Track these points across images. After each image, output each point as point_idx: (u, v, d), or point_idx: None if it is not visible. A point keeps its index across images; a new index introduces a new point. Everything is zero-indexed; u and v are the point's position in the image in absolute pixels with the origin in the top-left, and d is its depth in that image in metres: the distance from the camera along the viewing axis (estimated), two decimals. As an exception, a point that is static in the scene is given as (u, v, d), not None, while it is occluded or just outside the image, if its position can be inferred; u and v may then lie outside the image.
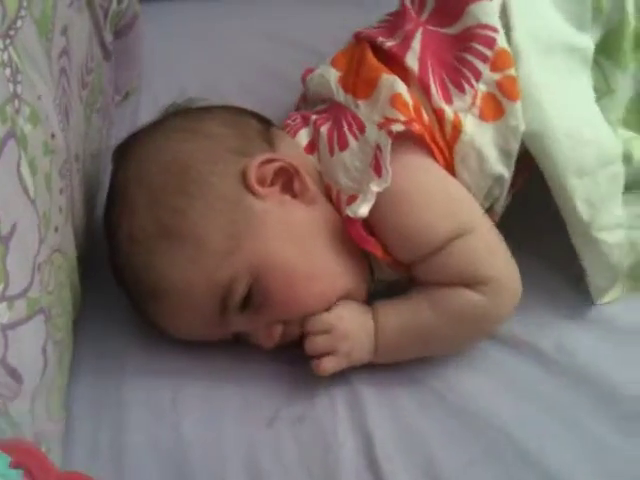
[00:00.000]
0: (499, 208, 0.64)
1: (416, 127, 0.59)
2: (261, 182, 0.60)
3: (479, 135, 0.61)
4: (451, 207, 0.60)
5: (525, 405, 0.61)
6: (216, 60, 0.87)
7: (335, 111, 0.64)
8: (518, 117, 0.61)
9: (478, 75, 0.61)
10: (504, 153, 0.61)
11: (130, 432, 0.59)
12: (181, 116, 0.64)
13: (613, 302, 0.66)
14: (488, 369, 0.63)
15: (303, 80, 0.71)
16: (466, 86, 0.61)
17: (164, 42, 0.88)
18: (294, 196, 0.61)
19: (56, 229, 0.52)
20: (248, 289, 0.57)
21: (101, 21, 0.68)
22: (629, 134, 0.67)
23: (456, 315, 0.59)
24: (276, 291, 0.58)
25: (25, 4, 0.46)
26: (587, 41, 0.64)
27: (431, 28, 0.64)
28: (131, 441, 0.59)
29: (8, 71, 0.44)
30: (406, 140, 0.59)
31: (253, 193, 0.59)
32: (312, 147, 0.64)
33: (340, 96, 0.64)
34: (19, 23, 0.45)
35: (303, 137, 0.64)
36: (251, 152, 0.60)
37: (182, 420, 0.59)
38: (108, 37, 0.70)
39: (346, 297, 0.61)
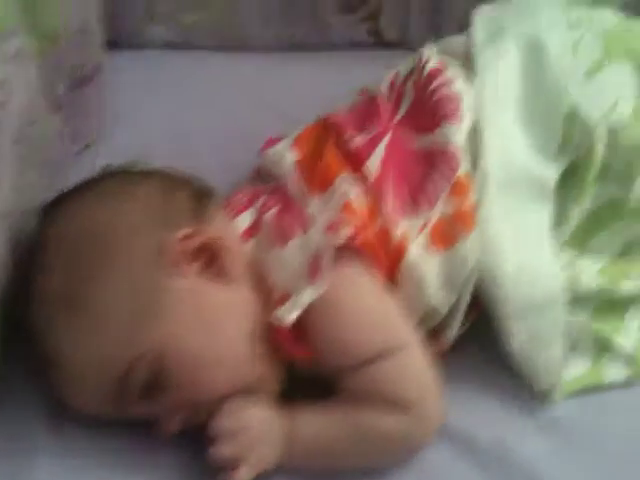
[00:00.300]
0: (450, 335, 0.62)
1: (360, 240, 0.59)
2: (180, 258, 0.57)
3: (423, 262, 0.60)
4: (383, 324, 0.59)
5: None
6: (183, 114, 0.87)
7: (283, 198, 0.64)
8: (469, 249, 0.60)
9: (435, 200, 0.61)
10: (448, 284, 0.60)
11: None
12: (111, 180, 0.62)
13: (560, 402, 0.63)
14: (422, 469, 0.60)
15: (261, 151, 0.70)
16: (421, 208, 0.61)
17: (131, 92, 0.88)
18: (214, 275, 0.58)
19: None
20: (150, 372, 0.54)
21: (52, 73, 0.67)
22: (573, 253, 0.66)
23: (370, 437, 0.57)
24: (179, 376, 0.55)
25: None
26: (551, 172, 0.64)
27: (401, 134, 0.65)
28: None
29: None
30: (348, 250, 0.57)
31: (168, 270, 0.56)
32: (252, 232, 0.62)
33: (292, 184, 0.64)
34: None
35: (245, 220, 0.63)
36: (174, 225, 0.58)
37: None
38: (60, 89, 0.70)
39: (256, 387, 0.58)
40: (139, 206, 0.59)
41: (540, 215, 0.63)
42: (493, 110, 0.66)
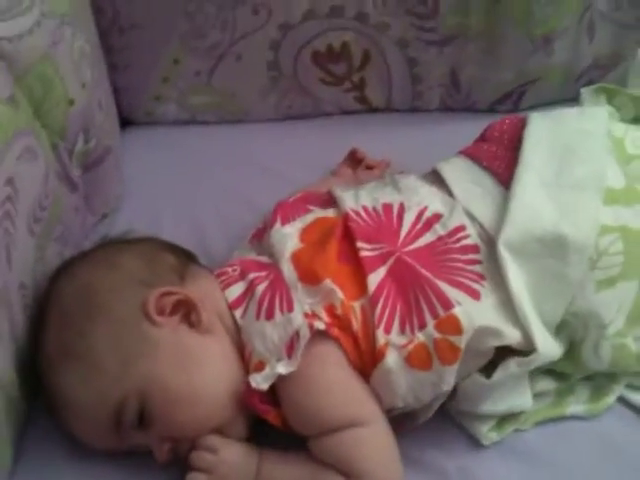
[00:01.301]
0: (423, 420, 0.67)
1: (335, 332, 0.64)
2: (160, 312, 0.66)
3: (396, 373, 0.64)
4: (348, 399, 0.65)
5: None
6: (190, 182, 0.96)
7: (275, 276, 0.69)
8: (444, 380, 0.64)
9: (422, 325, 0.65)
10: (415, 398, 0.66)
11: None
12: (102, 249, 0.73)
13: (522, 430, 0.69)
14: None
15: (271, 223, 0.75)
16: (407, 329, 0.65)
17: (143, 164, 0.98)
18: (191, 327, 0.67)
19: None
20: (139, 409, 0.63)
21: (66, 161, 0.77)
22: None
23: None
24: (160, 413, 0.64)
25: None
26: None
27: (409, 261, 0.67)
28: None
29: None
30: (325, 336, 0.65)
31: (150, 321, 0.66)
32: (241, 301, 0.69)
33: (286, 268, 0.69)
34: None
35: (235, 291, 0.70)
36: (156, 284, 0.67)
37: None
38: (75, 172, 0.80)
39: (229, 425, 0.66)
40: (123, 271, 0.68)
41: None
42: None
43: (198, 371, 0.65)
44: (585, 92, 0.88)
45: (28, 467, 0.68)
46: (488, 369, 0.67)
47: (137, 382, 0.64)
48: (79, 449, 0.68)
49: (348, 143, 0.97)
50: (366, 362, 0.66)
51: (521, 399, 0.68)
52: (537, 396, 0.70)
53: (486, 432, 0.68)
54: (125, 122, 1.03)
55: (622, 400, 0.71)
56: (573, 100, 1.00)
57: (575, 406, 0.70)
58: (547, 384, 0.71)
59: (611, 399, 0.70)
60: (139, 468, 0.67)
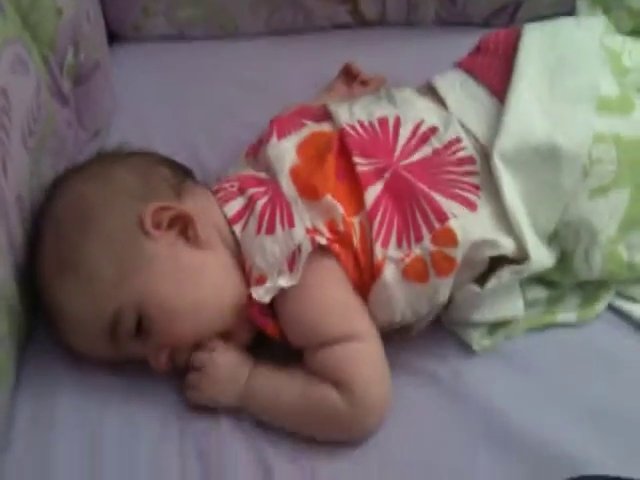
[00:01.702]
0: (415, 332, 0.69)
1: (336, 249, 0.65)
2: (156, 226, 0.66)
3: (394, 287, 0.65)
4: (344, 314, 0.66)
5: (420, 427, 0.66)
6: (180, 99, 0.95)
7: (274, 192, 0.69)
8: (440, 292, 0.66)
9: (419, 239, 0.66)
10: (412, 311, 0.67)
11: (58, 447, 0.65)
12: (97, 162, 0.72)
13: (514, 338, 0.71)
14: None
15: (267, 138, 0.74)
16: (404, 243, 0.66)
17: (132, 81, 0.96)
18: (188, 241, 0.67)
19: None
20: (136, 319, 0.64)
21: (57, 74, 0.76)
22: None
23: (314, 408, 0.64)
24: (157, 323, 0.65)
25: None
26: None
27: (405, 174, 0.67)
28: (58, 455, 0.65)
29: None
30: (325, 251, 0.65)
31: (147, 235, 0.66)
32: (240, 216, 0.69)
33: (285, 184, 0.69)
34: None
35: (234, 206, 0.69)
36: (152, 199, 0.67)
37: (104, 432, 0.66)
38: (66, 86, 0.79)
39: (228, 335, 0.67)
40: (118, 185, 0.68)
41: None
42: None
43: (196, 284, 0.66)
44: (581, 4, 0.87)
45: (30, 381, 0.69)
46: (479, 279, 0.68)
47: (133, 294, 0.64)
48: (79, 363, 0.70)
49: (341, 58, 0.94)
50: (365, 278, 0.66)
51: (513, 306, 0.70)
52: (528, 304, 0.71)
53: (478, 338, 0.70)
54: (113, 37, 1.00)
55: (612, 308, 0.73)
56: (569, 14, 0.99)
57: (565, 313, 0.72)
58: (538, 292, 0.72)
59: (601, 306, 0.72)
60: (139, 379, 0.69)
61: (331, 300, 0.66)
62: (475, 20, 1.01)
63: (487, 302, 0.69)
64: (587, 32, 0.75)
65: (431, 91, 0.76)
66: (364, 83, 0.91)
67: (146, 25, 1.01)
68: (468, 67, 0.76)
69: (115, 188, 0.68)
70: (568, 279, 0.72)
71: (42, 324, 0.71)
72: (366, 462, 0.64)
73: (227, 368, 0.67)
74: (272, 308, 0.66)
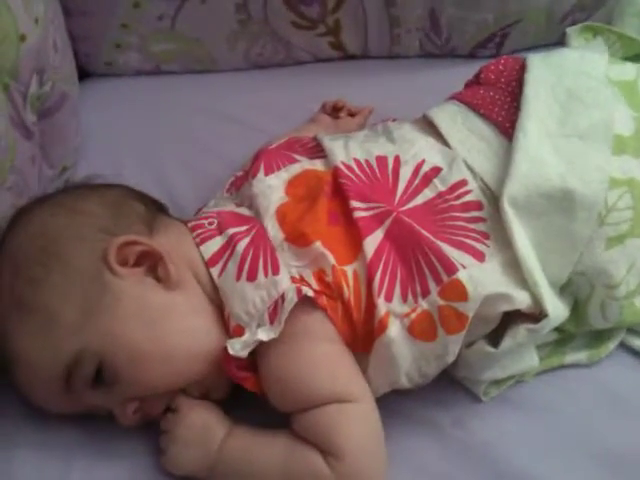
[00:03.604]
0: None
1: (324, 301, 0.59)
2: (123, 262, 0.60)
3: (400, 345, 0.59)
4: (338, 372, 0.59)
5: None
6: (154, 134, 0.91)
7: (257, 233, 0.63)
8: (449, 351, 0.60)
9: (425, 292, 0.60)
10: (419, 373, 0.61)
11: None
12: (66, 192, 0.66)
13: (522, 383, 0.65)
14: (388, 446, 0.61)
15: (254, 172, 0.68)
16: (409, 297, 0.60)
17: (103, 116, 0.92)
18: (157, 280, 0.61)
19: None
20: (96, 366, 0.58)
21: (19, 104, 0.70)
22: None
23: (295, 473, 0.57)
24: (123, 370, 0.58)
25: None
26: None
27: (407, 221, 0.62)
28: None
29: None
30: (314, 305, 0.59)
31: (111, 271, 0.60)
32: (218, 258, 0.62)
33: (270, 225, 0.63)
34: None
35: (212, 247, 0.63)
36: (120, 233, 0.61)
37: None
38: (30, 118, 0.73)
39: (203, 388, 0.61)
40: (84, 218, 0.62)
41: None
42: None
43: (165, 328, 0.59)
44: (571, 32, 0.83)
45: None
46: (491, 334, 0.63)
47: (95, 337, 0.58)
48: (40, 414, 0.63)
49: (323, 92, 0.92)
50: (358, 334, 0.60)
51: (527, 363, 0.64)
52: (536, 347, 0.66)
53: (485, 389, 0.64)
54: (83, 74, 0.96)
55: (623, 346, 0.68)
56: (557, 44, 0.96)
57: (575, 354, 0.67)
58: (547, 336, 0.66)
59: (612, 345, 0.67)
60: (106, 433, 0.62)
61: (319, 356, 0.59)
62: (460, 51, 0.98)
63: (501, 362, 0.63)
64: (594, 64, 0.71)
65: (430, 126, 0.70)
66: (351, 115, 0.87)
67: (119, 60, 0.97)
68: (468, 100, 0.71)
69: (81, 220, 0.62)
70: (580, 328, 0.66)
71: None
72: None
73: (197, 431, 0.59)
74: (250, 361, 0.59)
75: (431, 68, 0.98)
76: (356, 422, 0.58)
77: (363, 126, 0.86)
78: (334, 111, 0.88)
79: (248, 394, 0.61)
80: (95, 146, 0.89)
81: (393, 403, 0.61)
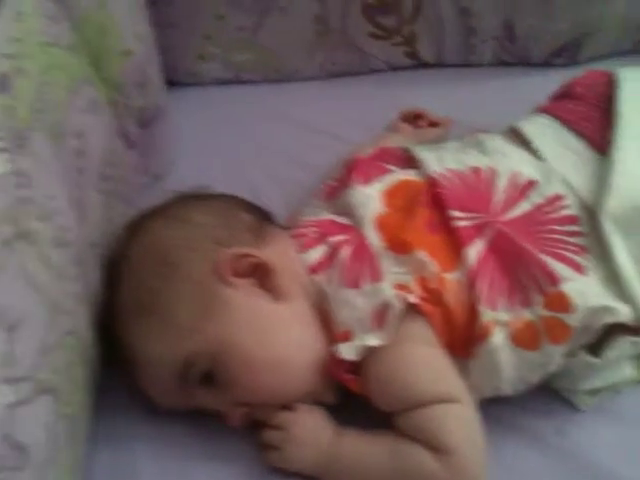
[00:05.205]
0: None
1: (427, 308, 0.61)
2: (234, 273, 0.63)
3: (503, 352, 0.61)
4: (438, 377, 0.61)
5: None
6: (243, 146, 0.93)
7: (358, 241, 0.65)
8: (553, 360, 0.61)
9: (528, 303, 0.61)
10: (521, 380, 0.63)
11: None
12: (177, 204, 0.69)
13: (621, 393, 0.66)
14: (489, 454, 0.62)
15: (349, 182, 0.70)
16: (513, 306, 0.61)
17: (193, 127, 0.95)
18: (267, 292, 0.64)
19: (68, 313, 0.57)
20: (208, 367, 0.61)
21: (124, 116, 0.74)
22: None
23: (407, 474, 0.59)
24: (234, 374, 0.61)
25: (38, 115, 0.52)
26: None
27: (509, 231, 0.63)
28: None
29: (17, 178, 0.50)
30: (414, 309, 0.61)
31: (224, 281, 0.62)
32: (322, 267, 0.65)
33: (370, 234, 0.65)
34: (31, 133, 0.51)
35: (315, 254, 0.66)
36: (232, 244, 0.64)
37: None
38: (132, 129, 0.77)
39: (312, 396, 0.63)
40: (197, 229, 0.65)
41: None
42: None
43: (276, 336, 0.62)
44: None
45: (107, 432, 0.66)
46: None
47: (208, 340, 0.61)
48: (155, 414, 0.66)
49: (398, 100, 0.94)
50: (457, 339, 0.62)
51: (626, 374, 0.65)
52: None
53: (583, 398, 0.65)
54: (167, 84, 0.99)
55: None
56: (633, 52, 0.98)
57: None
58: None
59: None
60: (218, 431, 0.65)
61: (422, 360, 0.61)
62: (535, 60, 1.00)
63: (602, 372, 0.64)
64: None
65: (519, 138, 0.72)
66: (433, 124, 0.88)
67: (201, 70, 1.00)
68: (559, 114, 0.72)
69: (195, 232, 0.65)
70: None
71: (114, 374, 0.67)
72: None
73: (311, 430, 0.62)
74: (353, 364, 0.62)
75: (506, 76, 0.99)
76: (459, 421, 0.60)
77: (443, 136, 0.87)
78: (414, 120, 0.90)
79: (346, 397, 0.63)
80: (182, 154, 0.91)
81: (493, 411, 0.63)
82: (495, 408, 0.63)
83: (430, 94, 0.96)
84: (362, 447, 0.61)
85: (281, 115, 0.97)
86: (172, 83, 1.00)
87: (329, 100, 0.99)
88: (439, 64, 1.02)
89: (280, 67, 1.01)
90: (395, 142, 0.80)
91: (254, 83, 1.01)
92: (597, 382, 0.64)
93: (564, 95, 0.76)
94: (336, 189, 0.74)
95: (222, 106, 0.99)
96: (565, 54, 0.99)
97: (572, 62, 0.98)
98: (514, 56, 1.00)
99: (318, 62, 1.00)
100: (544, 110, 0.75)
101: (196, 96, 1.00)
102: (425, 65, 1.02)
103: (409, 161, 0.72)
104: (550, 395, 0.66)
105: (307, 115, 0.96)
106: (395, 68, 1.02)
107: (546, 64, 0.99)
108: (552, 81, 0.81)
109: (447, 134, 0.88)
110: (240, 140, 0.94)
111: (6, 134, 0.49)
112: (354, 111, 0.96)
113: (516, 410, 0.65)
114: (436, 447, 0.59)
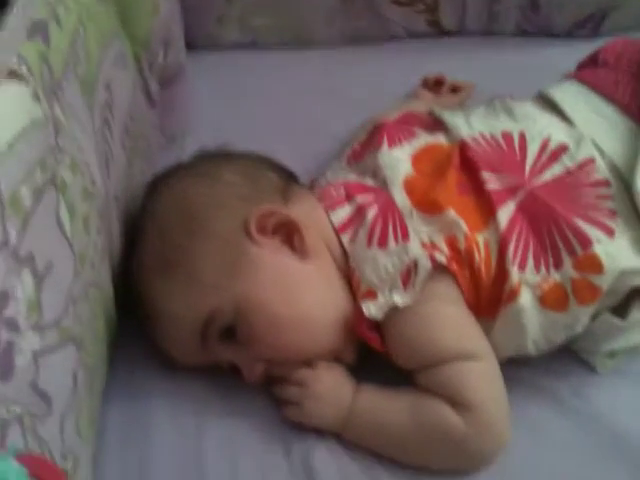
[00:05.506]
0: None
1: (455, 267, 0.61)
2: (261, 231, 0.63)
3: (530, 314, 0.61)
4: (462, 333, 0.62)
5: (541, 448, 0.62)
6: (259, 110, 0.92)
7: (385, 202, 0.65)
8: (580, 321, 0.62)
9: (559, 264, 0.62)
10: (546, 340, 0.63)
11: (156, 455, 0.62)
12: (204, 161, 0.69)
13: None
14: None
15: (377, 144, 0.70)
16: (542, 268, 0.62)
17: (207, 90, 0.94)
18: (292, 250, 0.64)
19: (92, 265, 0.57)
20: (230, 323, 0.61)
21: (147, 73, 0.74)
22: None
23: (427, 427, 0.60)
24: (258, 331, 0.61)
25: (71, 66, 0.52)
26: None
27: (539, 195, 0.63)
28: (157, 463, 0.62)
29: (51, 126, 0.49)
30: (443, 270, 0.61)
31: (251, 239, 0.63)
32: (348, 226, 0.65)
33: (398, 195, 0.65)
34: (64, 83, 0.51)
35: (342, 214, 0.66)
36: (259, 202, 0.64)
37: (203, 444, 0.62)
38: (154, 87, 0.76)
39: (333, 354, 0.63)
40: (227, 186, 0.65)
41: None
42: None
43: (301, 295, 0.62)
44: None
45: (122, 385, 0.66)
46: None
47: (233, 296, 0.61)
48: (170, 370, 0.66)
49: (418, 67, 0.93)
50: (483, 299, 0.62)
51: None
52: None
53: (601, 360, 0.65)
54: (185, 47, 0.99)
55: None
56: (655, 26, 0.96)
57: None
58: None
59: None
60: (233, 389, 0.65)
61: (447, 317, 0.62)
62: (557, 30, 0.99)
63: (625, 333, 0.64)
64: None
65: (549, 104, 0.71)
66: (454, 90, 0.88)
67: (219, 33, 1.00)
68: (589, 81, 0.72)
69: (223, 189, 0.65)
70: None
71: (129, 329, 0.68)
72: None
73: (331, 387, 0.63)
74: (374, 322, 0.62)
75: (528, 46, 0.99)
76: (482, 377, 0.60)
77: (464, 103, 0.87)
78: (436, 86, 0.89)
79: (364, 359, 0.64)
80: (199, 117, 0.91)
81: (512, 372, 0.63)
82: (512, 367, 0.63)
83: (451, 62, 0.95)
84: (382, 403, 0.62)
85: (299, 81, 0.96)
86: (190, 46, 0.99)
87: (349, 67, 0.98)
88: (459, 32, 1.01)
89: (299, 32, 1.00)
90: (416, 108, 0.80)
91: (271, 49, 1.01)
92: (619, 343, 0.65)
93: (593, 62, 0.76)
94: (360, 153, 0.74)
95: (239, 71, 0.98)
96: (589, 25, 0.98)
97: (594, 34, 0.97)
98: (536, 26, 0.99)
99: (337, 28, 1.00)
100: (576, 77, 0.74)
101: (213, 60, 0.99)
102: (446, 33, 1.01)
103: (436, 125, 0.72)
104: (567, 356, 0.66)
105: (326, 81, 0.96)
106: (414, 36, 1.01)
107: (568, 35, 0.98)
108: (575, 51, 0.81)
109: (467, 101, 0.88)
110: (257, 105, 0.93)
111: (42, 82, 0.49)
112: (374, 78, 0.96)
113: (533, 370, 0.65)
114: (460, 403, 0.59)
